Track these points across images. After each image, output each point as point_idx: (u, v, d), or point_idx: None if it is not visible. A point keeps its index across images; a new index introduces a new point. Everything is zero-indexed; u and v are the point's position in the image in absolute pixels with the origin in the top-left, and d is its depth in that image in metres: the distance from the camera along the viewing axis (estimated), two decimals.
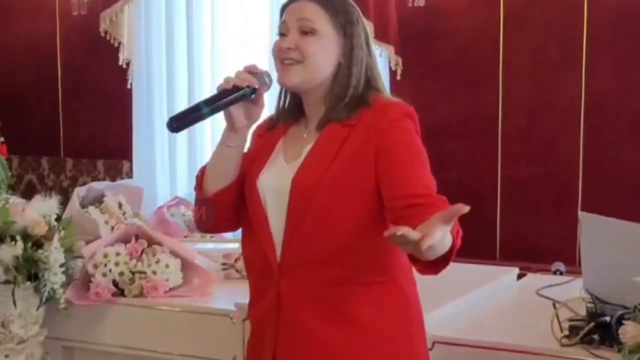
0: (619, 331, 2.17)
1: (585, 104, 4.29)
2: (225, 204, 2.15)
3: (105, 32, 5.08)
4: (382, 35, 4.47)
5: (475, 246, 4.33)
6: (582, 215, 2.73)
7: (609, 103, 4.28)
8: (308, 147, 2.10)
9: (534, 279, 3.24)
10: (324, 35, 2.09)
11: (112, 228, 3.38)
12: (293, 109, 2.19)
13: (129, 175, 5.24)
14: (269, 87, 2.12)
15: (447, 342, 2.49)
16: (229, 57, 4.76)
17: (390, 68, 4.51)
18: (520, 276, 3.33)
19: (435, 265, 1.83)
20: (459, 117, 4.52)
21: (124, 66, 5.10)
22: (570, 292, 2.74)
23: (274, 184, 2.11)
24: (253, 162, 2.17)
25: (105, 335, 2.97)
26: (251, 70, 2.09)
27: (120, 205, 3.49)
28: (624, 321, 2.20)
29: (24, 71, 5.62)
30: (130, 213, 3.46)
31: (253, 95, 2.09)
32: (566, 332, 2.40)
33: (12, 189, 5.35)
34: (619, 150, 4.27)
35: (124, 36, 5.06)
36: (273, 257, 2.09)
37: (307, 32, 2.08)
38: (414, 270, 2.00)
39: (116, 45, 5.10)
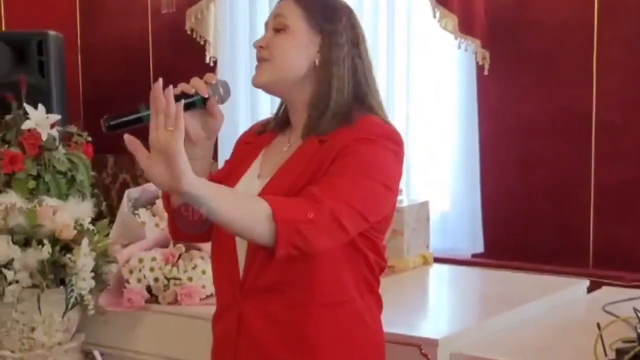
0: None
1: None
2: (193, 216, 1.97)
3: (192, 30, 5.05)
4: (466, 29, 4.22)
5: (566, 253, 4.08)
6: None
7: None
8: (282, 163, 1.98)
9: (608, 292, 2.94)
10: (294, 31, 1.97)
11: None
12: (284, 118, 2.07)
13: None
14: (222, 100, 1.93)
15: None
16: None
17: (477, 63, 4.27)
18: (594, 288, 3.05)
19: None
20: (549, 113, 4.22)
21: (211, 64, 5.04)
22: None
23: None
24: (231, 173, 2.06)
25: (140, 343, 2.90)
26: (207, 80, 1.92)
27: None
28: None
29: (117, 70, 5.64)
30: None
31: (203, 105, 1.90)
32: (612, 356, 2.13)
33: (107, 190, 5.43)
34: None
35: (209, 34, 5.03)
36: (236, 276, 1.98)
37: (279, 29, 1.98)
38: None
39: (202, 43, 5.05)
